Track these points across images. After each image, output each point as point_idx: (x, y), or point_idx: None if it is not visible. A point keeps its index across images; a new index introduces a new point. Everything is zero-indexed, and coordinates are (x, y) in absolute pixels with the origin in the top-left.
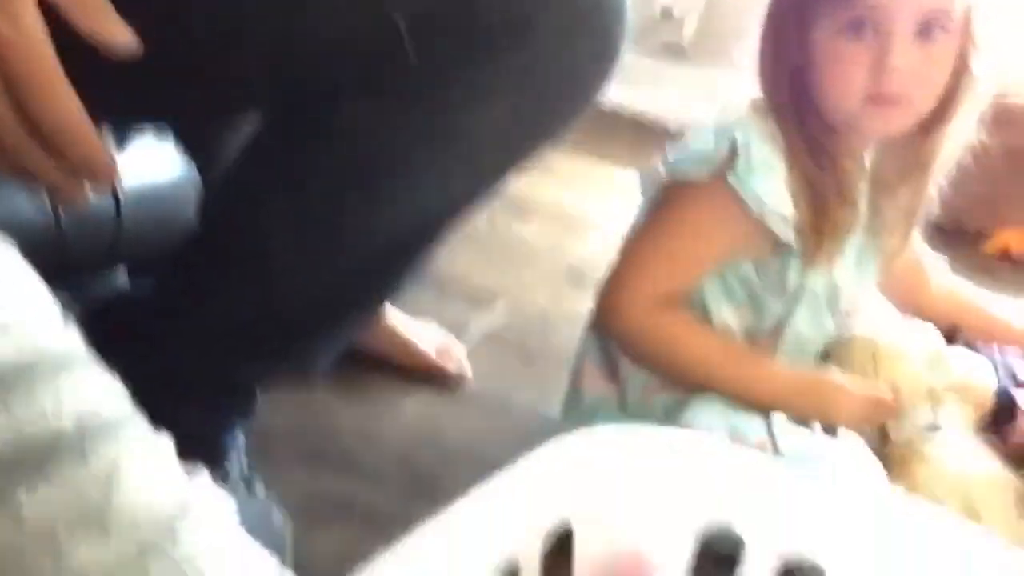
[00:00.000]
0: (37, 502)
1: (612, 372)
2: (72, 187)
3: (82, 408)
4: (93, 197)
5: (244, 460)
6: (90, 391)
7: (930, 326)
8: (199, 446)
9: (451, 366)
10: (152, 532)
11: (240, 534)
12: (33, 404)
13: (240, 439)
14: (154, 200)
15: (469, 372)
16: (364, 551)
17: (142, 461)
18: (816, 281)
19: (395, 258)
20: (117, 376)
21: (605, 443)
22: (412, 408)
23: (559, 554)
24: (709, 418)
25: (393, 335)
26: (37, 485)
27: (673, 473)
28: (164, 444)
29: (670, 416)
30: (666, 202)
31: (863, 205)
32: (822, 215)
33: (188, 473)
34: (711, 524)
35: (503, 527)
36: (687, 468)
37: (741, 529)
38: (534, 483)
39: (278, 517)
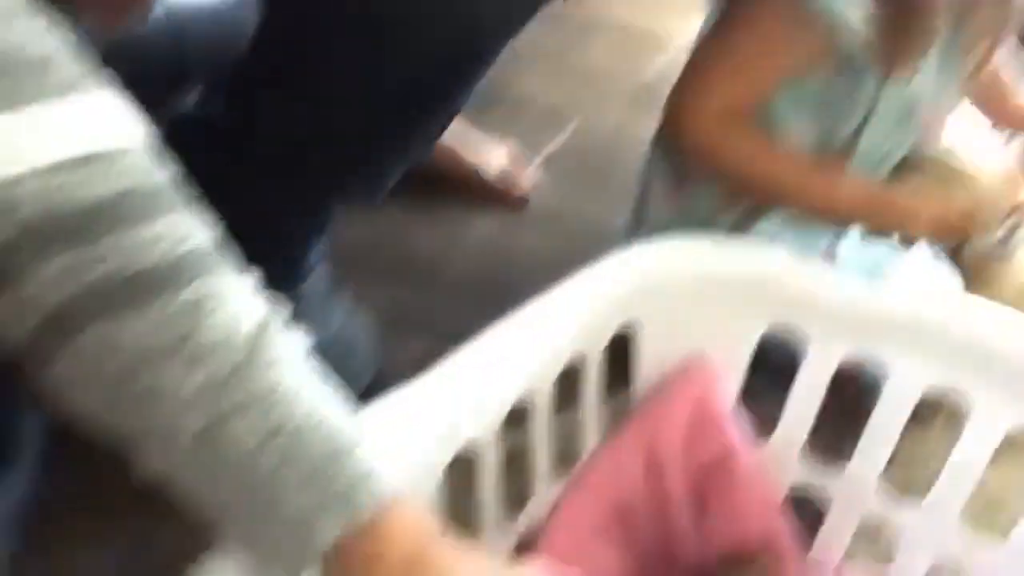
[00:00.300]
0: (133, 331)
1: (678, 189)
2: (110, 15)
3: (174, 240)
4: (151, 18)
5: (326, 277)
6: (182, 224)
7: (1012, 140)
8: (281, 264)
9: (520, 186)
10: (235, 357)
11: (314, 364)
12: (129, 237)
13: (321, 257)
14: (214, 19)
15: (538, 191)
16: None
17: (228, 291)
18: (892, 94)
19: (451, 68)
20: (198, 200)
21: (671, 251)
22: (482, 227)
23: (622, 355)
24: (777, 234)
25: (462, 156)
26: (133, 315)
27: (736, 279)
28: (248, 275)
29: (737, 233)
30: (733, 11)
31: (946, 13)
32: (900, 25)
33: (272, 302)
34: (773, 326)
35: (568, 329)
36: (750, 274)
37: (803, 332)
38: (599, 288)
39: (366, 330)
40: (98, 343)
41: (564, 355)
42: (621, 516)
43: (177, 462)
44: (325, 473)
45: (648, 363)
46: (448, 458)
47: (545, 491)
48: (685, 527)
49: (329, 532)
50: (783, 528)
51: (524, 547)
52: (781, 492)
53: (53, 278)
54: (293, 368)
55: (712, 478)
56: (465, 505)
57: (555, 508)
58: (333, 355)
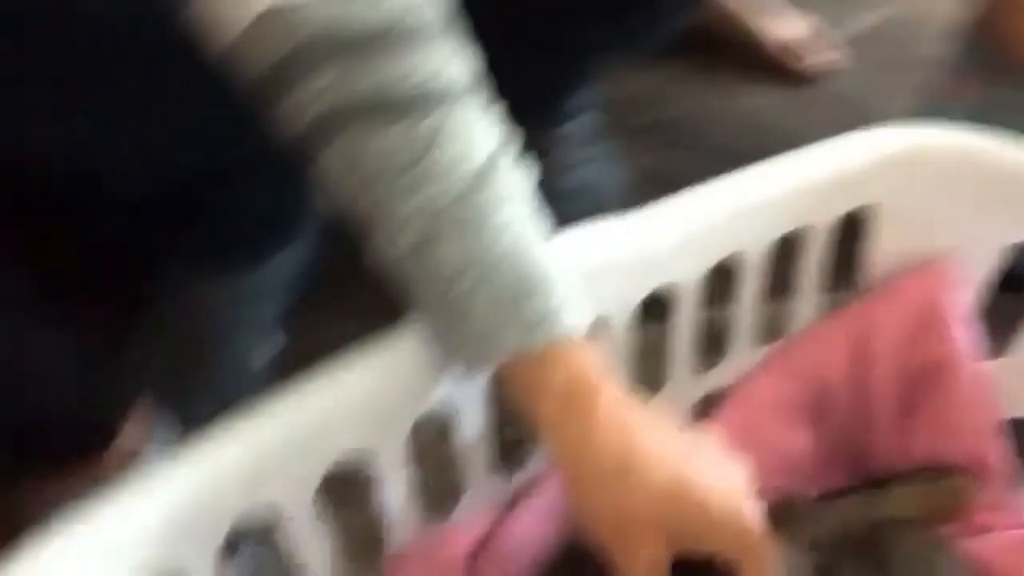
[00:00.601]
0: (376, 147)
1: (987, 85)
2: None
3: (430, 71)
4: None
5: (590, 127)
6: (440, 55)
7: None
8: (540, 106)
9: (806, 62)
10: (456, 188)
11: (532, 201)
12: (391, 61)
13: (586, 106)
14: None
15: (828, 72)
16: None
17: (466, 125)
18: None
19: None
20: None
21: (933, 137)
22: (757, 100)
23: (854, 238)
24: None
25: (750, 21)
26: (378, 133)
27: (1000, 178)
28: (492, 110)
29: None
30: None
31: None
32: None
33: (507, 138)
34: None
35: (797, 195)
36: (1012, 181)
37: None
38: (842, 159)
39: (619, 185)
40: (347, 151)
41: (786, 221)
42: (817, 398)
43: (393, 262)
44: (510, 305)
45: (881, 252)
46: (645, 293)
47: (741, 354)
48: (886, 425)
49: (502, 352)
50: (994, 453)
51: (705, 407)
52: (1001, 415)
53: (321, 89)
54: (510, 204)
55: (927, 383)
56: (656, 347)
57: (745, 380)
58: (582, 202)
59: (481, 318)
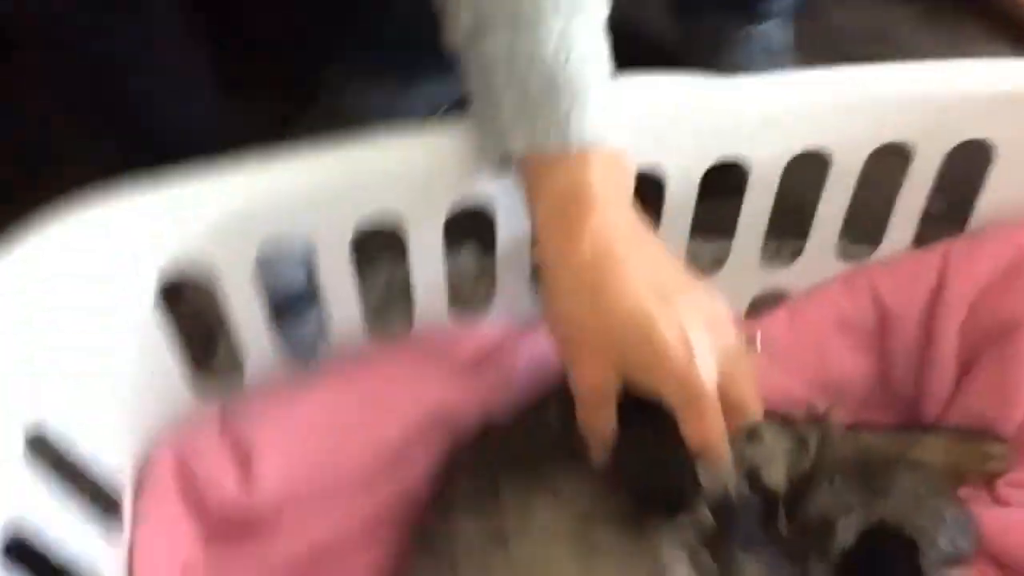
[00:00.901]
0: None
1: None
2: None
3: None
4: None
5: (783, 36)
6: None
7: None
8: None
9: None
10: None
11: (600, 26)
12: None
13: (782, 10)
14: None
15: None
16: None
17: None
18: None
19: None
20: None
21: None
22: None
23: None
24: None
25: None
26: None
27: None
28: None
29: None
30: None
31: None
32: None
33: None
34: None
35: (897, 109)
36: None
37: None
38: (955, 85)
39: None
40: None
41: (883, 130)
42: (887, 329)
43: (456, 44)
44: (532, 104)
45: (992, 195)
46: (713, 158)
47: (816, 261)
48: (946, 374)
49: (517, 145)
50: None
51: (759, 304)
52: None
53: None
54: (571, 16)
55: (999, 340)
56: (720, 219)
57: (819, 288)
58: None
59: (508, 111)
